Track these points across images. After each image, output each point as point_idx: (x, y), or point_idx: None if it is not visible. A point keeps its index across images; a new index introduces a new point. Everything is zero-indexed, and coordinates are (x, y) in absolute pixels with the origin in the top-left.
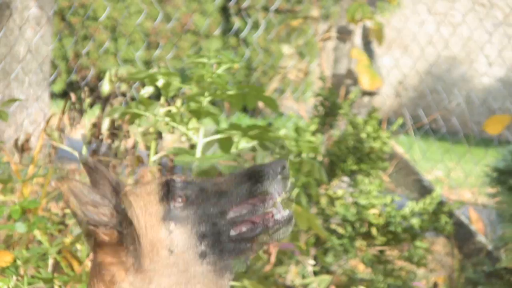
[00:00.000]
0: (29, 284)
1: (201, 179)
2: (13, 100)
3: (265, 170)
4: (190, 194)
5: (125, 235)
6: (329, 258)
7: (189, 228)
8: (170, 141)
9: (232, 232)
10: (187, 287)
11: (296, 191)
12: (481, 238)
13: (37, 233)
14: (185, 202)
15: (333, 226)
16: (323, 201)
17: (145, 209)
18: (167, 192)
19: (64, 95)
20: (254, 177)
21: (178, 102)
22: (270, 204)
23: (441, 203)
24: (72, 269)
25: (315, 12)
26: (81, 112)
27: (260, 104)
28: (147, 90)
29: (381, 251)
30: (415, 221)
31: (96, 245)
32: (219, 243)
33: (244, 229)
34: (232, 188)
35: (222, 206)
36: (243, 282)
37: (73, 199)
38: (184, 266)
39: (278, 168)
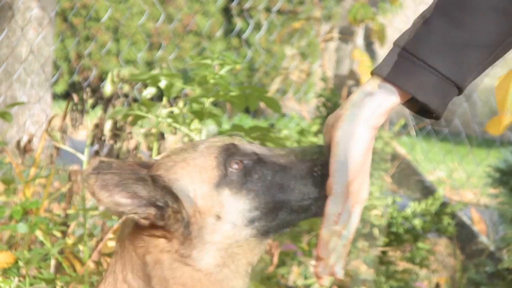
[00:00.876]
0: (31, 285)
1: (260, 147)
2: (16, 104)
3: (326, 152)
4: (247, 162)
5: (166, 209)
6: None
7: (244, 195)
8: (172, 142)
9: (293, 205)
10: (227, 252)
11: None
12: (483, 239)
13: (39, 234)
14: (242, 169)
15: None
16: None
17: (199, 175)
18: (226, 156)
19: (66, 96)
20: (315, 157)
21: (181, 103)
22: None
23: (443, 204)
24: (74, 270)
25: (317, 13)
26: (83, 113)
27: (262, 105)
28: (149, 91)
29: (383, 252)
30: (417, 222)
31: (138, 227)
32: (274, 214)
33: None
34: (292, 165)
35: (281, 179)
36: None
37: (103, 193)
38: (231, 232)
39: None
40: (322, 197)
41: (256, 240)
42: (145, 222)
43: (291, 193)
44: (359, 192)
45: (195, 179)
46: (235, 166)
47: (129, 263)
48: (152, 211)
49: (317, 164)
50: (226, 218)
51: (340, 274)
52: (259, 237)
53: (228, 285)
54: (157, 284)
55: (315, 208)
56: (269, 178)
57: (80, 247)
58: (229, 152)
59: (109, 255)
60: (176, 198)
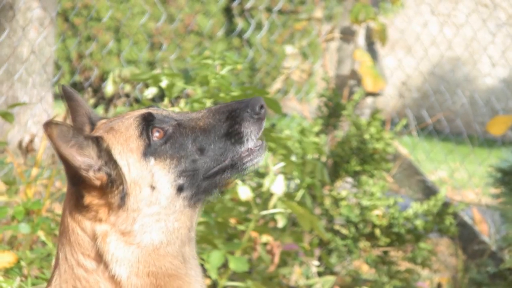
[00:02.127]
0: (33, 284)
1: (177, 113)
2: (18, 104)
3: (244, 111)
4: (167, 128)
5: (113, 177)
6: (333, 259)
7: (168, 163)
8: None
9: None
10: (167, 224)
11: (301, 192)
12: (485, 239)
13: (41, 234)
14: (163, 136)
15: (337, 227)
16: (327, 202)
17: (126, 145)
18: (146, 125)
19: None
20: (232, 117)
21: (182, 102)
22: (249, 145)
23: (445, 205)
24: None
25: (318, 12)
26: None
27: None
28: (151, 91)
29: (385, 252)
30: (419, 223)
31: (84, 188)
32: (196, 179)
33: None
34: (210, 127)
35: (201, 143)
36: (247, 283)
37: (61, 142)
38: (165, 202)
39: (256, 108)
40: (243, 153)
41: (190, 209)
42: (96, 183)
43: (213, 157)
44: None
45: (125, 148)
46: (156, 134)
47: (76, 243)
48: (103, 174)
49: (235, 122)
50: (159, 188)
51: None
52: (193, 206)
53: (178, 254)
54: (111, 261)
55: (239, 164)
56: (190, 143)
57: None
58: (147, 121)
59: None
60: (116, 165)
